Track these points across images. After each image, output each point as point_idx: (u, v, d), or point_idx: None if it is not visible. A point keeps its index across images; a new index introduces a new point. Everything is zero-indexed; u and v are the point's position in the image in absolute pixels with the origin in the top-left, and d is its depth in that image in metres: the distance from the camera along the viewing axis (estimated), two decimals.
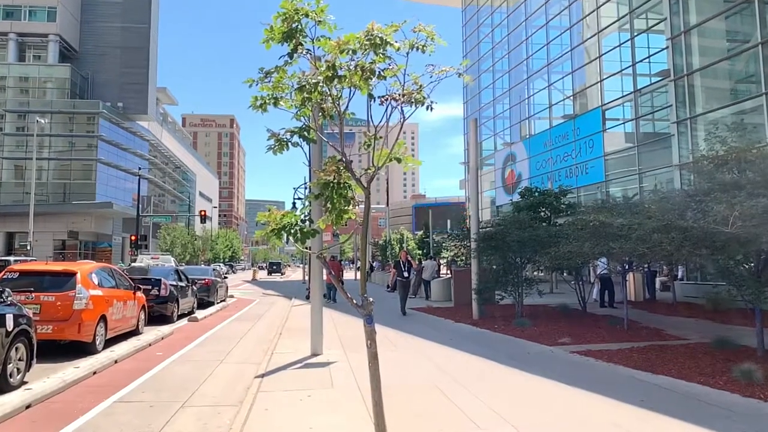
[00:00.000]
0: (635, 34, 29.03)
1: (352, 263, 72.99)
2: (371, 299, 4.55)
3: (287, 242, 4.92)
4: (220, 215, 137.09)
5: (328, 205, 4.73)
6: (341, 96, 4.70)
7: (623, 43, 30.25)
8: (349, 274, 44.78)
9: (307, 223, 4.76)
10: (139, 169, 58.05)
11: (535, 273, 18.53)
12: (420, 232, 63.48)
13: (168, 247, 64.59)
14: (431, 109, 4.34)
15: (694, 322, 13.55)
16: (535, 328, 12.80)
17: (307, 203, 4.84)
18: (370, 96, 4.71)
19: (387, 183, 65.67)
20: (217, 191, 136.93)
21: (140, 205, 52.19)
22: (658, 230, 8.35)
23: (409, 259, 16.26)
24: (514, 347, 10.76)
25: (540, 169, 37.87)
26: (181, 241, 69.10)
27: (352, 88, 4.71)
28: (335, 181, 4.67)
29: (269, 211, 4.86)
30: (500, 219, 17.80)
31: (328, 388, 7.63)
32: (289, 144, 4.87)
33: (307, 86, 4.37)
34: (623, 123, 30.72)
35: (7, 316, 7.53)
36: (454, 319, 15.00)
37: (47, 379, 7.84)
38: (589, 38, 33.53)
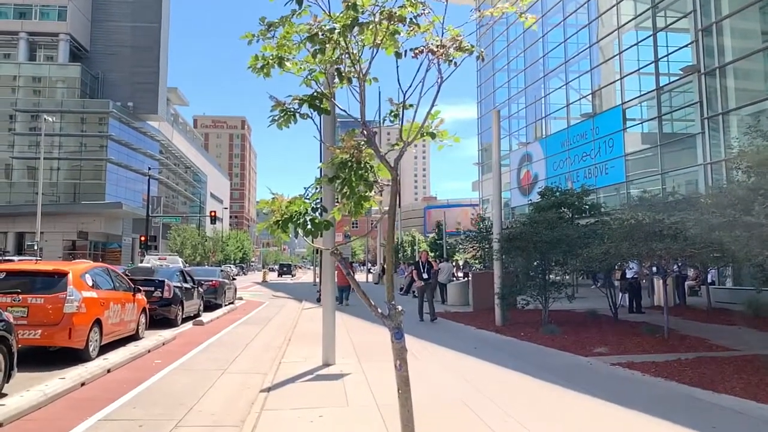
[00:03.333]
0: (657, 29, 27.93)
1: (362, 265, 72.14)
2: (400, 308, 3.61)
3: (296, 236, 4.00)
4: (231, 217, 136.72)
5: (345, 190, 3.80)
6: (362, 53, 3.77)
7: (641, 41, 29.23)
8: (360, 277, 43.83)
9: (319, 212, 3.83)
10: (149, 169, 57.52)
11: (557, 277, 17.55)
12: (432, 234, 62.43)
13: (178, 248, 63.98)
14: (482, 59, 3.40)
15: (737, 330, 12.48)
16: (565, 336, 11.80)
17: (318, 188, 3.86)
18: (397, 55, 3.79)
19: (399, 184, 64.60)
20: (228, 192, 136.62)
21: (150, 206, 51.61)
22: (720, 227, 7.34)
23: (430, 260, 15.12)
24: (546, 358, 9.77)
25: (557, 169, 36.80)
26: (192, 242, 68.49)
27: (374, 48, 3.79)
28: (354, 159, 3.74)
29: (273, 197, 3.94)
30: (526, 218, 16.77)
31: (342, 406, 6.68)
32: (297, 115, 3.95)
33: (320, 34, 3.43)
34: (643, 122, 29.67)
35: None
36: (475, 326, 14.01)
37: (26, 392, 6.95)
38: (608, 35, 32.44)
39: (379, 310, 3.67)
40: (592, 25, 34.36)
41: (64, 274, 9.71)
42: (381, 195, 4.18)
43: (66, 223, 55.68)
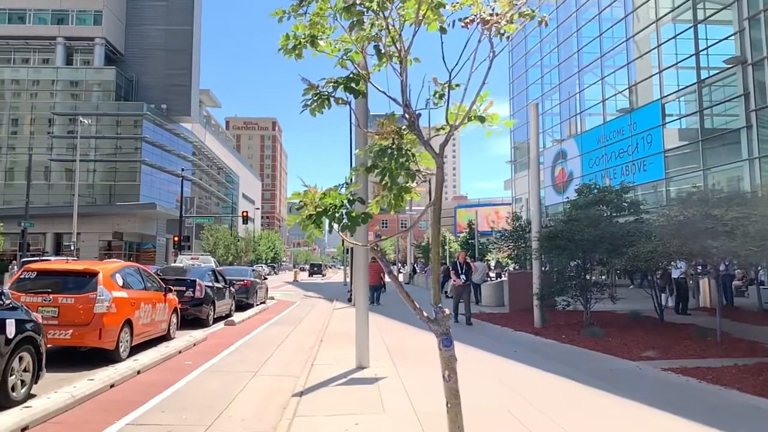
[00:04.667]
0: (697, 21, 26.91)
1: (393, 265, 71.78)
2: (447, 311, 3.23)
3: (330, 231, 3.65)
4: (262, 217, 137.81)
5: (385, 180, 3.43)
6: (402, 30, 3.40)
7: (679, 34, 28.26)
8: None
9: (357, 204, 3.47)
10: (182, 170, 58.15)
11: (597, 276, 16.91)
12: (462, 234, 61.61)
13: (211, 248, 64.55)
14: (546, 24, 3.00)
15: None
16: (609, 338, 11.23)
17: (354, 179, 3.50)
18: (442, 30, 3.41)
19: (429, 183, 64.07)
20: (260, 193, 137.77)
21: (183, 207, 52.11)
22: None
23: (468, 260, 14.62)
24: (592, 362, 9.25)
25: (593, 166, 35.91)
26: (224, 242, 69.04)
27: (416, 25, 3.42)
28: (395, 146, 3.36)
29: (306, 189, 3.59)
30: (566, 216, 16.18)
31: (378, 413, 6.31)
32: (332, 100, 3.60)
33: (358, 4, 3.07)
34: (683, 117, 28.65)
35: (7, 321, 6.49)
36: (513, 327, 13.51)
37: (54, 393, 6.76)
38: (645, 29, 31.46)
39: (425, 314, 3.29)
40: (628, 19, 33.43)
41: (95, 274, 9.57)
42: (421, 186, 3.80)
43: (102, 224, 56.62)
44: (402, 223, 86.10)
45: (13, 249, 50.42)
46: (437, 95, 3.46)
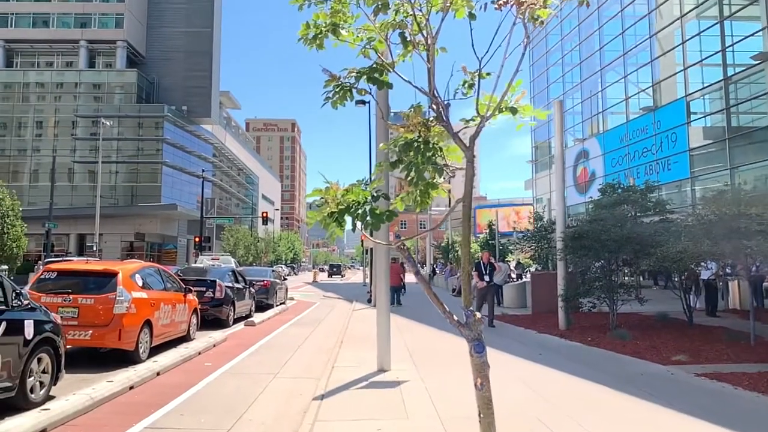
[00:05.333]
0: (724, 17, 26.30)
1: None
2: (479, 315, 3.03)
3: (353, 229, 3.47)
4: (282, 218, 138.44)
5: (412, 175, 3.24)
6: (428, 18, 3.21)
7: (704, 31, 27.64)
8: (410, 278, 43.20)
9: (381, 201, 3.29)
10: (203, 171, 58.55)
11: (623, 278, 16.51)
12: (482, 235, 61.14)
13: (231, 248, 64.91)
14: (587, 4, 2.79)
15: None
16: (637, 341, 10.90)
17: (378, 175, 3.30)
18: (471, 16, 3.21)
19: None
20: (279, 194, 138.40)
21: (204, 207, 52.45)
22: None
23: (492, 260, 14.29)
24: (621, 366, 8.96)
25: (616, 166, 35.32)
26: (244, 242, 69.39)
27: (443, 11, 3.23)
28: (422, 139, 3.17)
29: (327, 186, 3.42)
30: (590, 216, 15.84)
31: (402, 418, 6.12)
32: (354, 91, 3.42)
33: None
34: (708, 115, 28.03)
35: (25, 322, 6.43)
36: (537, 330, 13.23)
37: (72, 395, 6.68)
38: (668, 26, 30.85)
39: (455, 318, 3.10)
40: (651, 16, 32.82)
41: (114, 275, 9.51)
42: (449, 182, 3.60)
43: (124, 225, 57.18)
44: (421, 224, 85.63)
45: (37, 250, 51.15)
46: (466, 85, 3.27)
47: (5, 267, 27.75)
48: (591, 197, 31.13)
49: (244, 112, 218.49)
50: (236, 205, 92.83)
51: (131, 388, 7.71)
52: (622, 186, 22.84)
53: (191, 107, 68.08)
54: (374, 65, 3.38)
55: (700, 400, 6.75)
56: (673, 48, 30.65)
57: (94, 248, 37.77)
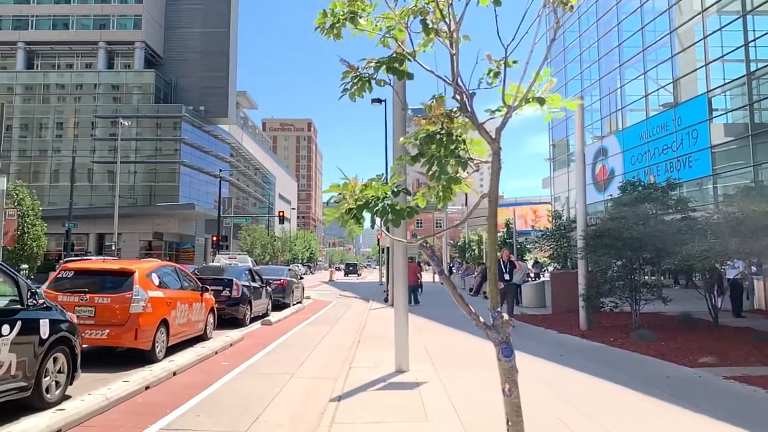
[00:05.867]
0: (746, 12, 25.74)
1: (428, 265, 71.30)
2: (506, 316, 2.87)
3: (371, 225, 3.33)
4: (298, 217, 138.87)
5: (434, 169, 3.08)
6: (451, 4, 3.05)
7: (725, 26, 27.11)
8: (426, 277, 43.00)
9: (402, 196, 3.14)
10: (220, 171, 58.84)
11: (644, 276, 16.17)
12: (500, 234, 60.70)
13: (248, 247, 65.21)
14: None
15: None
16: (661, 342, 10.63)
17: (399, 170, 3.15)
18: (496, 2, 3.05)
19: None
20: (296, 193, 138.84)
21: (221, 207, 52.71)
22: None
23: (512, 258, 14.01)
24: (645, 367, 8.71)
25: (636, 163, 34.82)
26: (261, 241, 69.66)
27: None
28: (444, 131, 3.02)
29: (345, 181, 3.27)
30: (611, 214, 15.55)
31: (421, 421, 5.96)
32: (372, 83, 3.27)
33: None
34: (730, 112, 27.46)
35: (40, 321, 6.38)
36: (557, 330, 12.98)
37: (88, 395, 6.62)
38: (689, 21, 30.30)
39: (482, 320, 2.94)
40: (671, 11, 32.29)
41: (130, 274, 9.47)
42: (471, 177, 3.44)
43: (142, 225, 57.64)
44: (437, 223, 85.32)
45: (58, 249, 51.73)
46: (492, 74, 3.10)
47: (26, 266, 28.05)
48: (611, 195, 30.67)
49: (260, 112, 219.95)
50: (253, 204, 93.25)
51: (147, 388, 7.65)
52: (642, 183, 22.51)
53: (208, 107, 68.49)
54: (395, 54, 3.23)
55: (730, 404, 6.51)
56: (694, 44, 30.12)
57: (113, 247, 38.08)
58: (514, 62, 3.05)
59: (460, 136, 3.12)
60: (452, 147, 3.06)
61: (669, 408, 6.36)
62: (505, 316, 2.97)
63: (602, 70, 40.72)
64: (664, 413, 6.20)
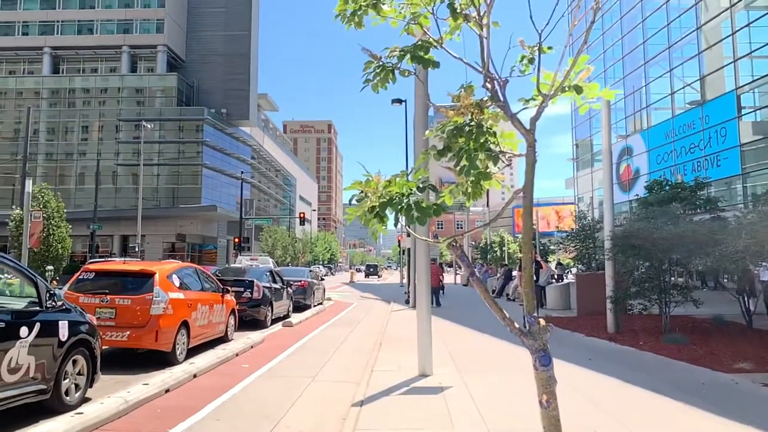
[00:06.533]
0: None
1: (450, 267, 70.90)
2: (543, 321, 2.66)
3: (395, 224, 3.14)
4: (319, 219, 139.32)
5: (463, 163, 2.88)
6: None
7: (753, 22, 26.43)
8: (448, 278, 42.67)
9: (428, 192, 2.94)
10: (242, 173, 59.15)
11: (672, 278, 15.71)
12: (520, 235, 60.00)
13: (270, 249, 65.45)
14: None
15: None
16: (694, 346, 10.27)
17: (424, 164, 2.95)
18: None
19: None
20: (316, 195, 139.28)
21: (243, 209, 52.97)
22: None
23: (539, 259, 13.69)
24: (678, 373, 8.38)
25: (661, 162, 34.15)
26: (282, 243, 69.89)
27: None
28: (474, 123, 2.81)
29: (367, 178, 3.09)
30: (637, 214, 15.16)
31: (447, 428, 5.74)
32: (396, 73, 3.08)
33: None
34: (758, 109, 26.76)
35: (60, 323, 6.30)
36: (583, 333, 12.66)
37: (107, 398, 6.53)
38: (716, 17, 29.60)
39: (516, 325, 2.73)
40: (697, 7, 31.61)
41: (151, 275, 9.41)
42: (501, 174, 3.23)
43: (166, 226, 58.14)
44: (458, 224, 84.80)
45: (83, 251, 52.39)
46: (525, 60, 2.90)
47: (51, 267, 28.38)
48: (637, 195, 30.05)
49: (281, 114, 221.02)
50: (274, 206, 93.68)
51: (167, 391, 7.55)
52: (669, 183, 22.00)
53: (230, 110, 68.96)
54: (420, 42, 3.04)
55: None
56: (722, 40, 29.43)
57: (137, 249, 38.43)
58: (549, 48, 2.84)
59: (491, 128, 2.91)
60: (482, 140, 2.86)
61: (708, 417, 6.05)
62: (542, 321, 2.77)
63: (626, 68, 40.09)
64: (704, 424, 5.90)
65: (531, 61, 2.90)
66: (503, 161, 2.98)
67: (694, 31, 31.91)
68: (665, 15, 34.94)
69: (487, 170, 2.96)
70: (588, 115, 46.82)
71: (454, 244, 3.09)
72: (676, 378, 7.97)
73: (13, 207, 32.58)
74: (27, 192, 23.62)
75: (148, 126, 44.20)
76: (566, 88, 2.86)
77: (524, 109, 2.90)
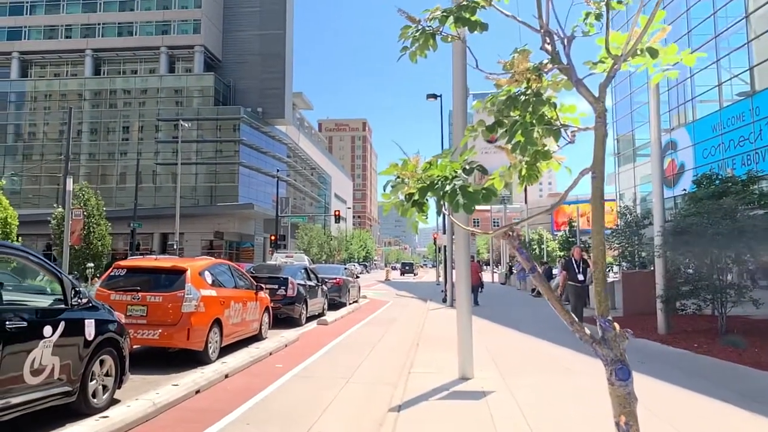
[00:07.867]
0: None
1: (487, 265, 69.99)
2: (617, 326, 2.22)
3: (438, 212, 2.73)
4: (354, 216, 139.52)
5: (518, 138, 2.45)
6: None
7: None
8: (486, 277, 41.91)
9: (475, 175, 2.52)
10: (278, 171, 59.47)
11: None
12: (560, 233, 58.70)
13: (305, 246, 65.72)
14: None
15: None
16: (754, 349, 9.55)
17: (470, 143, 2.52)
18: None
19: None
20: (351, 193, 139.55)
21: (279, 206, 53.22)
22: None
23: (585, 257, 13.00)
24: (742, 379, 7.74)
25: (708, 157, 32.78)
26: (318, 240, 70.09)
27: None
28: (532, 91, 2.38)
29: (404, 160, 2.69)
30: (687, 209, 14.37)
31: None
32: (437, 38, 2.67)
33: None
34: None
35: (86, 321, 6.07)
36: (632, 334, 11.99)
37: (135, 401, 6.29)
38: (766, 3, 28.18)
39: (588, 332, 2.30)
40: None
41: (182, 272, 9.19)
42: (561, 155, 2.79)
43: (204, 224, 58.85)
44: (494, 221, 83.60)
45: (124, 249, 53.42)
46: (592, 16, 2.47)
47: (91, 264, 28.83)
48: (685, 190, 28.84)
49: (316, 113, 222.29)
50: (310, 204, 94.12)
51: (197, 392, 7.29)
52: (719, 177, 20.95)
53: (266, 109, 69.52)
54: (464, 2, 2.63)
55: None
56: None
57: (175, 246, 38.87)
58: (619, 2, 2.40)
59: (551, 99, 2.49)
60: (541, 111, 2.43)
61: None
62: (617, 327, 2.33)
63: None
64: None
65: (598, 17, 2.46)
66: (565, 137, 2.55)
67: (741, 19, 30.51)
68: (711, 4, 33.55)
69: (547, 148, 2.54)
70: (629, 109, 45.42)
71: (511, 233, 2.66)
72: (740, 385, 7.33)
73: (55, 205, 33.30)
74: (68, 190, 24.02)
75: (186, 125, 44.71)
76: (639, 52, 2.41)
77: (590, 75, 2.46)
